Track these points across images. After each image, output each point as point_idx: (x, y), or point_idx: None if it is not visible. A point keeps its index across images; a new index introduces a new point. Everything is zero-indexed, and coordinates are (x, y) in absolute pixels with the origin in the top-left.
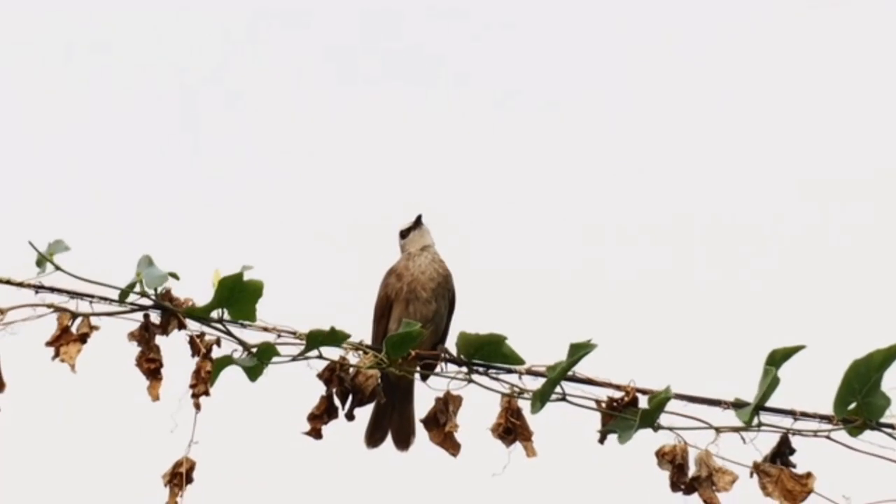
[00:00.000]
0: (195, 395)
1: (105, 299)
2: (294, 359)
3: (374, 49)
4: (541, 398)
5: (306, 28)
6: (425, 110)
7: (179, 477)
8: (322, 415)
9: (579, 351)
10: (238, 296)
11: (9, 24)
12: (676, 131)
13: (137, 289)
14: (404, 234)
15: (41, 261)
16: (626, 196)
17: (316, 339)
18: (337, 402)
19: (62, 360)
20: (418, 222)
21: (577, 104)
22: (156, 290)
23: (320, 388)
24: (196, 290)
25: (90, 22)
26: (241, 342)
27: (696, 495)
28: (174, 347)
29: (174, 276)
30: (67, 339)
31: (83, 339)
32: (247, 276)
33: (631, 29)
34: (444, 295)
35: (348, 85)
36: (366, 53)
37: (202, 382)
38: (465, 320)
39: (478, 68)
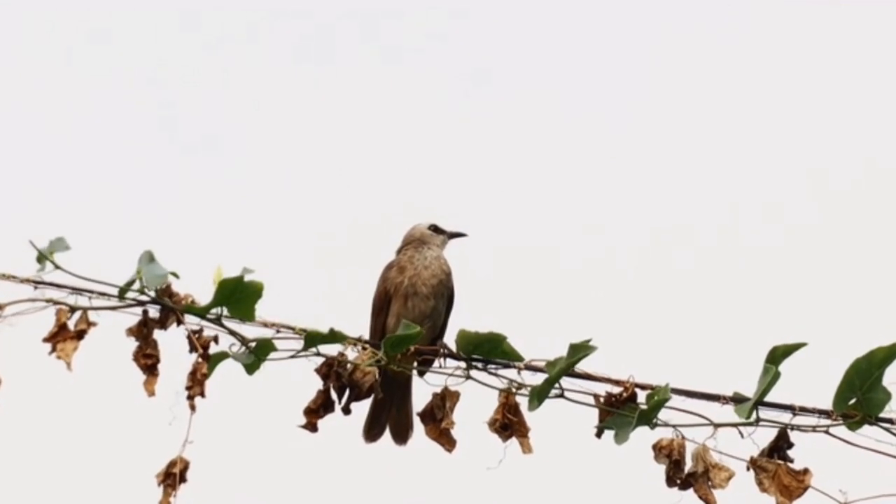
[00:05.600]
0: (190, 397)
1: (104, 295)
2: (292, 357)
3: (376, 49)
4: (538, 396)
5: (309, 26)
6: (427, 110)
7: (173, 477)
8: (318, 409)
9: (578, 352)
10: (238, 296)
11: (10, 24)
12: (679, 130)
13: (137, 286)
14: (436, 230)
15: (41, 259)
16: (627, 195)
17: (314, 340)
18: (334, 396)
19: (58, 357)
20: (455, 236)
21: (580, 103)
22: (155, 288)
23: (317, 383)
24: (196, 285)
25: (91, 21)
26: (239, 337)
27: (691, 491)
28: (172, 342)
29: (175, 275)
30: (64, 336)
31: (80, 335)
32: (247, 279)
33: (632, 30)
34: (443, 293)
35: (350, 83)
36: (367, 53)
37: (197, 384)
38: (465, 317)
39: (480, 68)
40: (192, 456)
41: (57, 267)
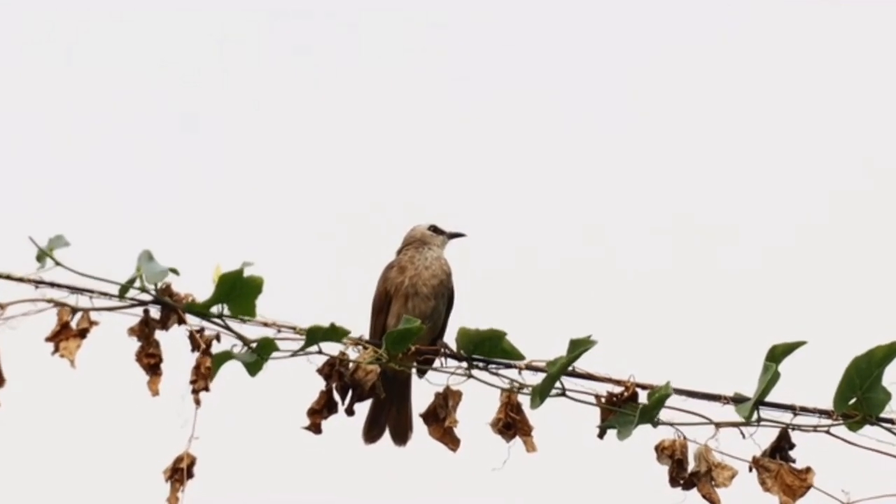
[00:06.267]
0: (195, 391)
1: (105, 294)
2: (294, 354)
3: (376, 49)
4: (540, 394)
5: (309, 26)
6: (427, 108)
7: (180, 472)
8: (322, 409)
9: (579, 347)
10: (238, 292)
11: (11, 23)
12: (678, 130)
13: (137, 284)
14: (436, 230)
15: (41, 256)
16: (627, 194)
17: (315, 336)
18: (336, 396)
19: (62, 356)
20: (454, 236)
21: (579, 103)
22: (156, 285)
23: (320, 383)
24: (196, 284)
25: (91, 19)
26: (240, 337)
27: (695, 490)
28: (174, 343)
29: (174, 271)
30: (67, 334)
31: (83, 334)
32: (247, 272)
33: (631, 29)
34: (443, 293)
35: (350, 82)
36: (368, 53)
37: (202, 378)
38: (465, 317)
39: (480, 67)
40: (198, 455)
41: (57, 263)
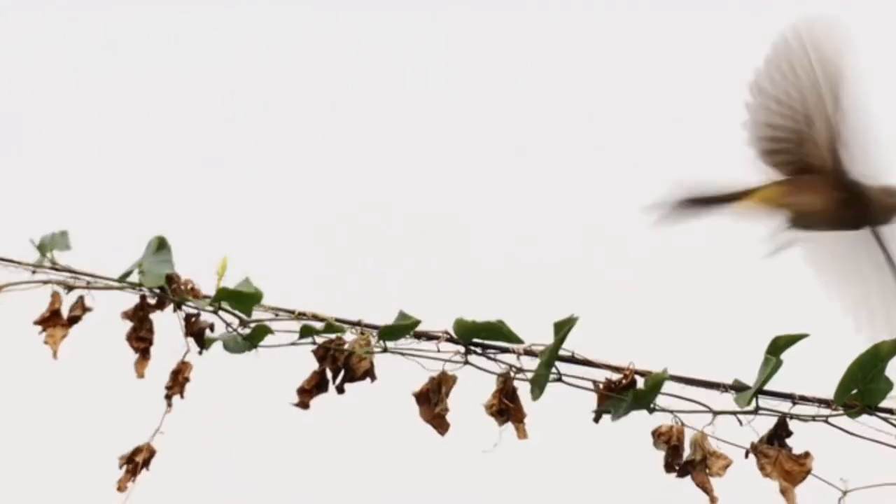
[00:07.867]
0: (168, 396)
1: (103, 278)
2: (292, 343)
3: (375, 47)
4: (538, 384)
5: (309, 25)
6: (425, 105)
7: (135, 464)
8: (311, 389)
9: (563, 328)
10: (236, 302)
11: (12, 16)
12: (677, 121)
13: (136, 279)
14: None
15: (42, 251)
16: (625, 188)
17: (310, 333)
18: (329, 376)
19: (45, 343)
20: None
21: (575, 96)
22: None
23: (312, 364)
24: (198, 271)
25: (93, 16)
26: (238, 317)
27: (689, 478)
28: (167, 329)
29: (174, 276)
30: (55, 322)
31: (72, 322)
32: (246, 287)
33: (627, 26)
34: None
35: (352, 79)
36: (367, 51)
37: (178, 385)
38: (464, 310)
39: (476, 65)
40: (157, 449)
41: (53, 266)
